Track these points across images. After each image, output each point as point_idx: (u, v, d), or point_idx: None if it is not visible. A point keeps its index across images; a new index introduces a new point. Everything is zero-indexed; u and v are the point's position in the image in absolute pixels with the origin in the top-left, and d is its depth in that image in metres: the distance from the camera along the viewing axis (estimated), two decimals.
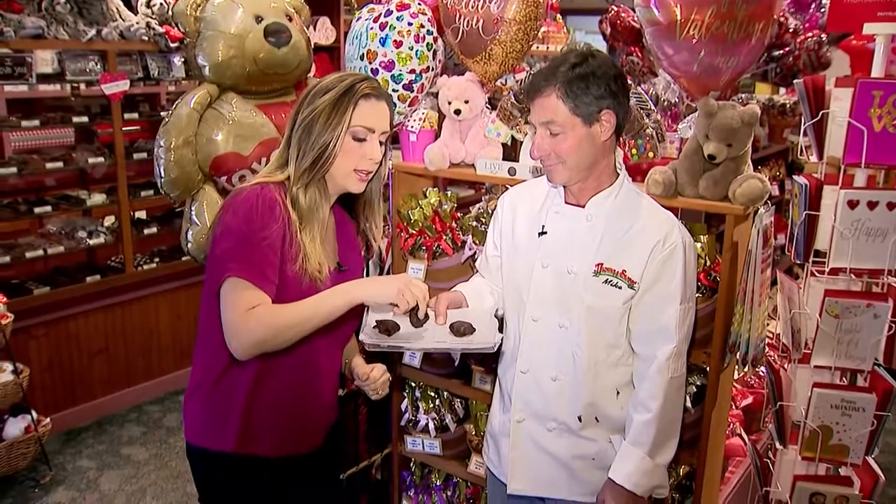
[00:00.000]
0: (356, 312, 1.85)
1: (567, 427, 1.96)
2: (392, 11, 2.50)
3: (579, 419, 1.95)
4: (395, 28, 2.48)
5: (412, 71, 2.51)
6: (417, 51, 2.49)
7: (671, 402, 1.89)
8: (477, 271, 2.23)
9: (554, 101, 1.78)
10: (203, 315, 1.83)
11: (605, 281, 1.86)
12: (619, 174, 1.93)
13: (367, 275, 3.12)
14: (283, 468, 1.90)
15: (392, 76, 2.51)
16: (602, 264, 1.87)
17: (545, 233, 1.95)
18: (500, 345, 1.96)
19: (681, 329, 1.88)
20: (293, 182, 1.77)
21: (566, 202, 1.94)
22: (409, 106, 2.57)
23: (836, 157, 2.01)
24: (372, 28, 2.52)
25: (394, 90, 2.53)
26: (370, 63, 2.52)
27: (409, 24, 2.48)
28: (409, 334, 1.78)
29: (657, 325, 1.87)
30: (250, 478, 1.87)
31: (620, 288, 1.86)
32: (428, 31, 2.50)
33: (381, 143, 1.82)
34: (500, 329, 2.00)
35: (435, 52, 2.54)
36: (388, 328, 1.77)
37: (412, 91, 2.55)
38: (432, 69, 2.55)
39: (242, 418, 1.82)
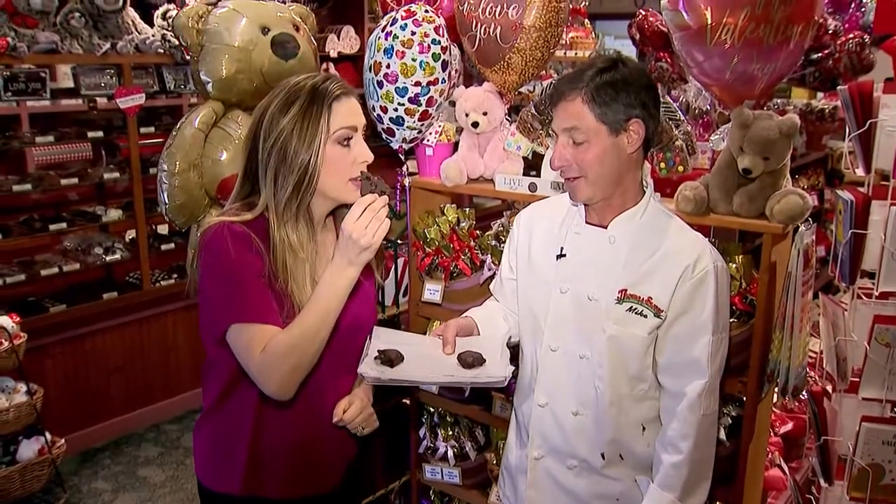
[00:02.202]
0: (354, 338, 1.72)
1: (589, 465, 1.82)
2: (397, 20, 2.37)
3: (602, 456, 1.80)
4: (398, 38, 2.35)
5: (417, 83, 2.37)
6: (422, 62, 2.35)
7: (703, 441, 1.74)
8: (491, 294, 2.09)
9: (579, 106, 1.65)
10: (206, 349, 1.72)
11: (630, 309, 1.72)
12: (645, 192, 1.78)
13: (383, 298, 3.03)
14: None
15: (396, 89, 2.37)
16: (626, 290, 1.73)
17: (564, 255, 1.81)
18: (516, 375, 1.83)
19: (713, 362, 1.72)
20: (276, 221, 1.61)
21: (587, 222, 1.80)
22: (420, 120, 2.43)
23: (886, 169, 1.85)
24: (380, 38, 2.40)
25: (399, 104, 2.39)
26: (375, 75, 2.40)
27: (413, 33, 2.34)
28: (414, 366, 1.65)
29: (687, 358, 1.72)
30: None
31: (646, 317, 1.71)
32: (434, 40, 2.35)
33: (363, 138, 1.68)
34: (515, 359, 1.86)
35: (445, 63, 2.40)
36: (390, 359, 1.64)
37: (419, 105, 2.40)
38: (442, 81, 2.40)
39: (248, 457, 1.71)
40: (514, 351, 1.93)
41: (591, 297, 1.75)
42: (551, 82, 2.40)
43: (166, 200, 2.68)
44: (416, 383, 1.75)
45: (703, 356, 1.71)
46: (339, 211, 1.74)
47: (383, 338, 1.75)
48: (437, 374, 1.66)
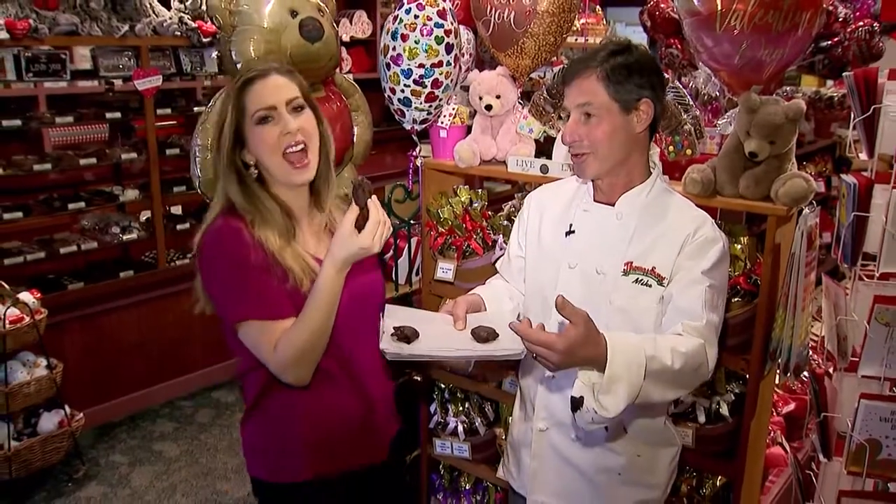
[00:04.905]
0: (367, 304, 1.80)
1: (592, 437, 1.85)
2: (403, 4, 2.43)
3: (605, 429, 1.83)
4: (403, 21, 2.40)
5: (421, 66, 2.42)
6: (425, 45, 2.40)
7: (690, 364, 1.61)
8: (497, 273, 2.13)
9: (594, 83, 1.70)
10: (234, 352, 1.80)
11: (636, 280, 1.76)
12: (651, 171, 1.83)
13: (396, 276, 3.10)
14: (349, 484, 1.85)
15: (402, 71, 2.43)
16: (632, 263, 1.76)
17: (573, 232, 1.85)
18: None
19: (708, 310, 1.67)
20: (231, 197, 1.71)
21: (595, 200, 1.85)
22: (427, 102, 2.48)
23: (889, 154, 1.88)
24: (389, 21, 2.46)
25: (406, 85, 2.45)
26: (384, 57, 2.46)
27: (416, 17, 2.39)
28: (430, 342, 1.69)
29: (680, 306, 1.69)
30: (329, 498, 1.83)
31: (651, 286, 1.74)
32: (437, 23, 2.40)
33: (298, 108, 1.72)
34: None
35: (449, 46, 2.44)
36: (406, 335, 1.68)
37: (424, 87, 2.45)
38: (447, 64, 2.45)
39: (308, 442, 1.78)
40: None
41: (599, 271, 1.79)
42: (563, 67, 2.45)
43: (199, 174, 2.75)
44: (435, 358, 1.76)
45: (696, 303, 1.67)
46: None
47: (397, 315, 1.79)
48: (452, 349, 1.70)
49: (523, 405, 2.02)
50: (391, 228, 1.66)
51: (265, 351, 1.66)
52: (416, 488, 2.98)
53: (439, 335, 1.73)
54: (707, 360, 1.65)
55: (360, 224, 1.62)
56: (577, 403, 1.53)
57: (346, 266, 1.65)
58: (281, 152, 1.69)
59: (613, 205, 1.81)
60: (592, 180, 1.83)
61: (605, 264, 1.79)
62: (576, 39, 5.44)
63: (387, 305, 1.85)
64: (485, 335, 1.70)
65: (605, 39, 6.07)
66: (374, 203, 1.63)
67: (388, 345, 1.66)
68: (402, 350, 1.66)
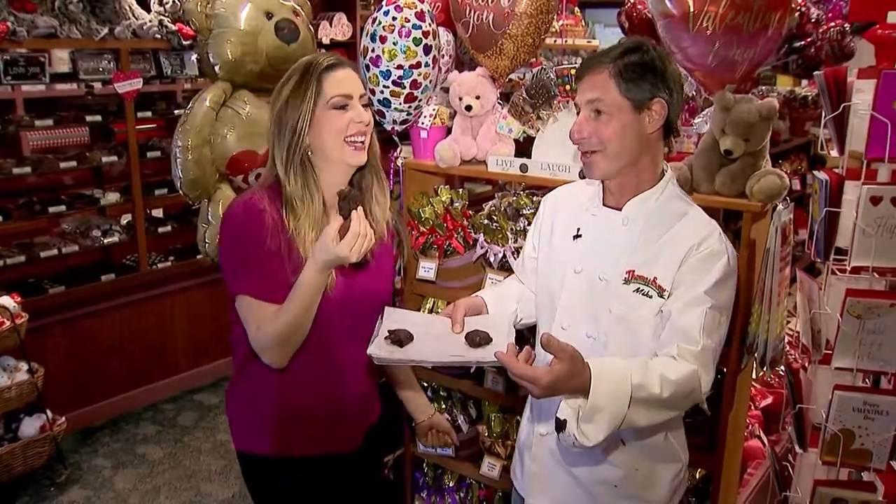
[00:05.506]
0: (368, 309, 1.83)
1: None
2: (382, 5, 2.45)
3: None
4: (381, 23, 2.43)
5: (399, 67, 2.44)
6: (402, 46, 2.43)
7: (680, 391, 1.57)
8: (493, 273, 2.14)
9: (605, 79, 1.65)
10: (230, 316, 1.87)
11: (637, 290, 1.70)
12: (663, 176, 1.76)
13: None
14: (323, 466, 1.92)
15: (381, 72, 2.46)
16: (633, 271, 1.71)
17: (580, 236, 1.81)
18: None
19: (705, 334, 1.61)
20: (284, 178, 1.77)
21: (604, 204, 1.79)
22: (406, 103, 2.51)
23: (859, 151, 1.93)
24: (368, 23, 2.49)
25: (384, 86, 2.48)
26: (363, 58, 2.48)
27: (394, 18, 2.42)
28: (423, 346, 1.68)
29: (677, 325, 1.63)
30: (292, 478, 1.91)
31: (651, 297, 1.68)
32: (415, 25, 2.43)
33: (366, 105, 1.82)
34: (525, 340, 1.89)
35: (427, 48, 2.47)
36: (400, 339, 1.68)
37: (403, 88, 2.48)
38: (426, 65, 2.47)
39: (276, 419, 1.86)
40: (530, 332, 1.96)
41: (602, 277, 1.74)
42: (542, 68, 2.48)
43: (180, 175, 2.77)
44: (423, 363, 1.77)
45: (695, 326, 1.62)
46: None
47: (394, 317, 1.79)
48: (443, 354, 1.68)
49: (531, 408, 1.98)
50: (373, 240, 1.69)
51: (251, 328, 1.75)
52: (400, 486, 3.00)
53: (433, 339, 1.72)
54: (700, 385, 1.60)
55: (343, 233, 1.64)
56: (560, 425, 1.51)
57: (327, 268, 1.70)
58: (344, 137, 1.77)
59: (621, 209, 1.76)
60: (602, 182, 1.79)
61: (608, 271, 1.74)
62: (555, 41, 5.47)
63: (386, 308, 1.86)
64: (478, 340, 1.68)
65: (583, 40, 6.12)
66: (357, 215, 1.65)
67: (378, 349, 1.66)
68: (391, 355, 1.66)
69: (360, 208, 1.66)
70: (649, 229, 1.72)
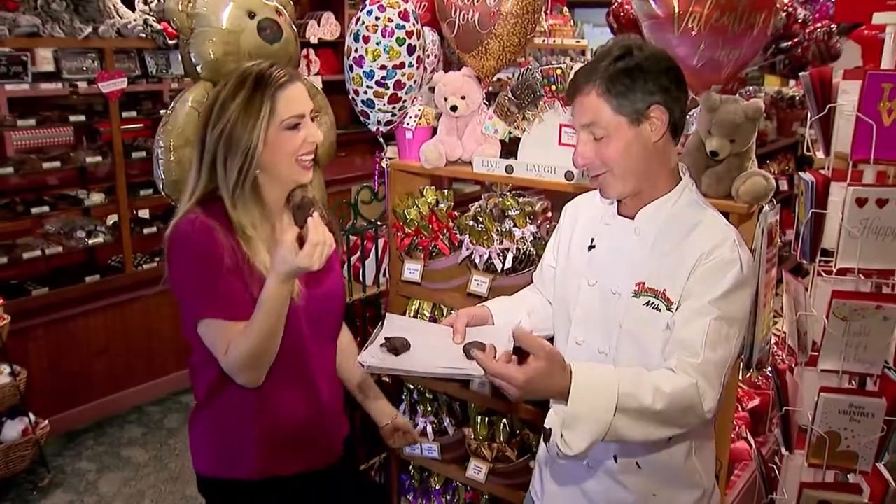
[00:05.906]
0: (329, 307, 1.80)
1: (604, 467, 1.73)
2: (366, 5, 2.43)
3: (615, 459, 1.71)
4: (364, 23, 2.41)
5: (382, 67, 2.42)
6: (386, 46, 2.40)
7: (676, 405, 1.49)
8: (478, 274, 2.11)
9: (595, 101, 1.56)
10: (191, 343, 1.79)
11: (647, 303, 1.62)
12: (680, 180, 1.68)
13: (364, 278, 3.10)
14: (303, 485, 1.86)
15: (364, 72, 2.43)
16: (643, 283, 1.63)
17: (594, 247, 1.75)
18: None
19: (708, 347, 1.52)
20: (229, 202, 1.69)
21: (619, 213, 1.71)
22: (390, 103, 2.49)
23: (844, 152, 1.91)
24: (352, 23, 2.47)
25: (368, 87, 2.46)
26: (348, 59, 2.46)
27: (378, 18, 2.40)
28: (418, 355, 1.62)
29: (679, 337, 1.56)
30: (275, 499, 1.83)
31: (660, 311, 1.60)
32: (398, 25, 2.40)
33: (314, 118, 1.76)
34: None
35: (411, 48, 2.45)
36: (395, 347, 1.62)
37: (387, 88, 2.45)
38: (410, 65, 2.45)
39: (261, 440, 1.79)
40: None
41: (615, 290, 1.68)
42: (528, 68, 2.47)
43: (163, 176, 2.73)
44: (411, 374, 1.69)
45: (697, 337, 1.53)
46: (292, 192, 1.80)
47: (394, 324, 1.75)
48: (435, 365, 1.60)
49: None
50: (333, 245, 1.63)
51: (219, 352, 1.67)
52: (387, 489, 2.98)
53: (429, 349, 1.66)
54: (701, 400, 1.50)
55: (301, 242, 1.58)
56: (547, 435, 1.46)
57: (290, 279, 1.63)
58: (296, 156, 1.71)
59: (634, 217, 1.69)
60: None
61: (621, 284, 1.67)
62: (543, 40, 5.48)
63: (387, 315, 1.82)
64: (472, 353, 1.59)
65: (572, 40, 6.12)
66: (313, 222, 1.59)
67: (370, 356, 1.61)
68: (382, 363, 1.60)
69: (315, 214, 1.61)
70: (662, 239, 1.64)
